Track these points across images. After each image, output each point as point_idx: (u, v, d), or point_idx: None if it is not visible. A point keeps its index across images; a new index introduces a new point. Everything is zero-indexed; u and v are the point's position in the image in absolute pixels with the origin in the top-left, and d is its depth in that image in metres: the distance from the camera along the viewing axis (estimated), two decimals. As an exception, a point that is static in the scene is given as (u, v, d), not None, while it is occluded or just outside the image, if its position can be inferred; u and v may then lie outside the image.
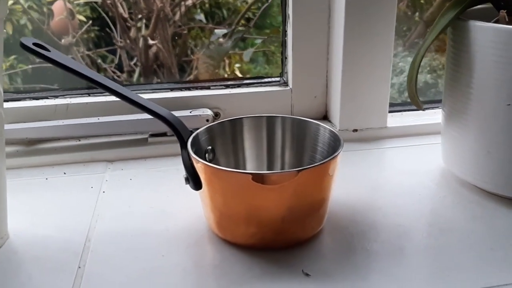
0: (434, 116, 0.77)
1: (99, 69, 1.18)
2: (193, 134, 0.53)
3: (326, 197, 0.51)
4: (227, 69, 1.18)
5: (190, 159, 0.50)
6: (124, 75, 1.23)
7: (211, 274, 0.48)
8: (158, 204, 0.59)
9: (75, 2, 1.17)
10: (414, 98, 0.61)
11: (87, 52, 1.18)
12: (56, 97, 0.74)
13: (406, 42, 1.20)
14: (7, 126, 0.68)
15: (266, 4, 1.14)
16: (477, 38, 0.54)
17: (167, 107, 0.73)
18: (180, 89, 0.77)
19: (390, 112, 0.79)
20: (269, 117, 0.57)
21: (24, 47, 0.50)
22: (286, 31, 0.76)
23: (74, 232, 0.54)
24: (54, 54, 0.51)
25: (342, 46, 0.70)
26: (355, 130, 0.75)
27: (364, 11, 0.69)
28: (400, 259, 0.49)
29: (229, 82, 0.78)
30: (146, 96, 0.74)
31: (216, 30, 1.07)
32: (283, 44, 0.77)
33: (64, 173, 0.67)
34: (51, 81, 1.10)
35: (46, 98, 0.73)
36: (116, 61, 1.22)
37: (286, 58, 0.77)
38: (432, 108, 0.80)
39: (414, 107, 0.78)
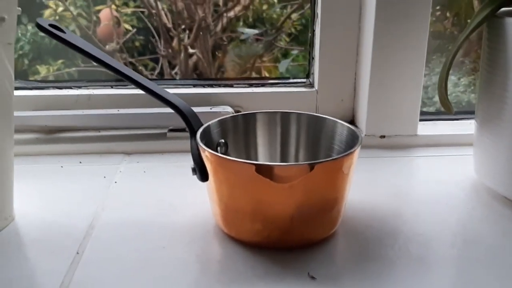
0: (468, 126, 0.72)
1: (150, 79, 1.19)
2: (204, 125, 0.51)
3: (339, 197, 0.47)
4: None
5: (198, 149, 0.48)
6: None
7: (211, 269, 0.45)
8: (168, 197, 0.57)
9: (123, 11, 1.19)
10: (444, 101, 0.57)
11: (130, 59, 1.20)
12: (80, 87, 0.73)
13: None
14: (28, 113, 0.69)
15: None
16: (514, 36, 0.50)
17: (190, 103, 0.72)
18: (203, 85, 0.75)
19: (422, 120, 0.75)
20: (284, 113, 0.55)
21: (40, 27, 0.50)
22: (314, 30, 0.73)
23: (79, 218, 0.53)
24: (69, 36, 0.51)
25: (371, 48, 0.67)
26: (383, 136, 0.71)
27: (396, 11, 0.65)
28: (417, 269, 0.45)
29: (253, 81, 0.76)
30: (169, 91, 0.73)
31: (246, 30, 1.06)
32: (311, 44, 0.75)
33: (80, 162, 0.67)
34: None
35: (70, 88, 0.73)
36: (158, 69, 1.23)
37: (313, 58, 0.75)
38: (467, 119, 0.75)
39: (448, 117, 0.75)
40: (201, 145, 0.47)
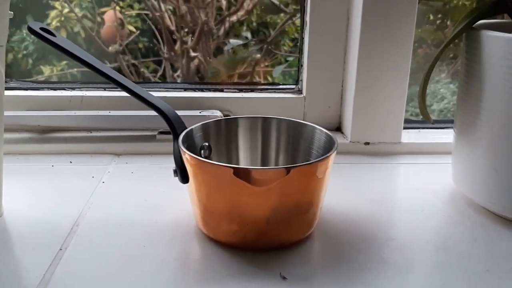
0: (452, 135, 0.73)
1: (144, 78, 1.21)
2: (187, 129, 0.52)
3: (314, 201, 0.49)
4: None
5: (179, 152, 0.49)
6: None
7: (188, 268, 0.47)
8: (153, 198, 0.59)
9: (127, 13, 1.21)
10: (423, 110, 0.58)
11: (132, 61, 1.22)
12: (73, 89, 0.75)
13: (451, 70, 1.17)
14: (22, 113, 0.71)
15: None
16: (489, 49, 0.51)
17: (180, 106, 0.74)
18: (194, 89, 0.77)
19: (407, 128, 0.77)
20: (265, 118, 0.56)
21: (31, 31, 0.52)
22: (303, 38, 0.75)
23: (64, 216, 0.54)
24: (59, 39, 0.53)
25: (357, 55, 0.69)
26: (367, 143, 0.73)
27: (382, 21, 0.67)
28: (386, 272, 0.46)
29: (243, 86, 0.77)
30: (160, 94, 0.75)
31: (231, 40, 1.07)
32: (300, 52, 0.77)
33: (70, 162, 0.68)
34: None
35: (63, 89, 0.75)
36: (161, 72, 1.25)
37: (302, 65, 0.76)
38: (451, 127, 0.77)
39: (432, 125, 0.77)
40: (182, 148, 0.48)
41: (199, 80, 1.19)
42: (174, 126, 0.52)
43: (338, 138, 0.73)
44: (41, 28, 0.52)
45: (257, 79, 1.15)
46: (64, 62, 1.15)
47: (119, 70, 1.18)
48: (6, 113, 0.69)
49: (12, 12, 0.51)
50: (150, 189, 0.61)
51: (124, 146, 0.71)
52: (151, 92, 0.74)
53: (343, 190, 0.62)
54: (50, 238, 0.50)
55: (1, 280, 0.44)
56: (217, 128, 0.56)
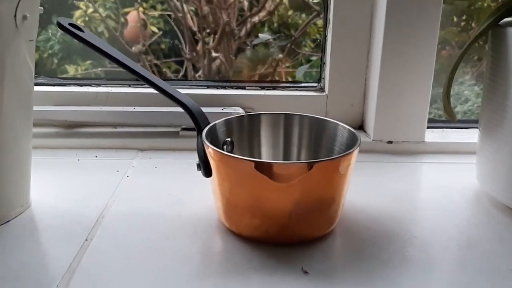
0: (476, 135, 0.72)
1: (165, 79, 1.23)
2: (210, 124, 0.53)
3: (336, 196, 0.49)
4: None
5: (203, 146, 0.50)
6: None
7: (210, 261, 0.47)
8: (176, 192, 0.60)
9: (150, 14, 1.23)
10: (447, 108, 0.58)
11: (155, 61, 1.23)
12: (99, 85, 0.77)
13: (475, 72, 1.16)
14: (49, 108, 0.73)
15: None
16: (516, 47, 0.51)
17: (202, 103, 0.74)
18: (217, 87, 0.78)
19: (431, 127, 0.76)
20: (287, 114, 0.57)
21: (61, 26, 0.53)
22: (326, 36, 0.75)
23: (90, 208, 0.56)
24: (87, 35, 0.54)
25: (380, 54, 0.69)
26: (390, 142, 0.73)
27: (406, 20, 0.67)
28: (408, 270, 0.46)
29: (265, 84, 0.78)
30: (183, 91, 0.76)
31: (260, 35, 1.08)
32: (323, 50, 0.77)
33: (96, 156, 0.70)
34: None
35: (90, 85, 0.77)
36: (182, 71, 1.27)
37: (324, 63, 0.76)
38: (475, 127, 0.76)
39: (456, 125, 0.76)
40: (206, 142, 0.49)
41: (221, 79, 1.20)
42: (198, 121, 0.53)
43: (361, 137, 0.74)
44: (70, 24, 0.54)
45: (278, 79, 1.16)
46: (89, 61, 1.18)
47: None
48: (34, 108, 0.71)
49: (42, 8, 0.52)
50: (173, 184, 0.62)
51: (148, 141, 0.72)
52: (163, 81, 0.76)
53: (366, 188, 0.62)
54: (76, 229, 0.52)
55: (29, 269, 0.45)
56: (240, 124, 0.56)
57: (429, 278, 0.45)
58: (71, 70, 1.14)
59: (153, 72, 1.22)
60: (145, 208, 0.56)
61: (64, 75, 1.09)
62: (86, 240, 0.50)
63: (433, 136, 0.74)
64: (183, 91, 0.76)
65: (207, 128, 0.52)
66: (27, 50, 0.50)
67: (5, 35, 0.46)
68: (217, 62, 1.27)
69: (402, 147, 0.72)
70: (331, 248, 0.49)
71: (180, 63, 1.26)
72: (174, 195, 0.59)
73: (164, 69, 1.24)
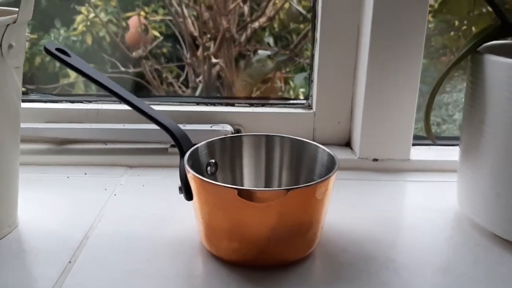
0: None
1: (167, 84, 1.24)
2: (192, 148, 0.54)
3: (314, 221, 0.50)
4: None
5: (184, 169, 0.51)
6: (189, 91, 1.29)
7: (188, 284, 0.48)
8: (161, 211, 0.61)
9: (151, 19, 1.24)
10: (428, 130, 0.59)
11: (156, 66, 1.25)
12: (90, 102, 0.78)
13: None
14: (41, 125, 0.74)
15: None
16: (492, 73, 0.51)
17: (192, 120, 0.76)
18: (206, 104, 0.79)
19: (418, 145, 0.77)
20: (268, 136, 0.58)
21: (48, 51, 0.54)
22: (313, 54, 0.76)
23: (76, 228, 0.57)
24: (74, 60, 0.55)
25: (365, 72, 0.70)
26: (375, 160, 0.73)
27: (391, 39, 0.68)
28: (383, 294, 0.47)
29: (254, 101, 0.79)
30: (172, 108, 0.78)
31: (259, 51, 1.09)
32: (310, 68, 0.78)
33: (85, 174, 0.71)
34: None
35: (81, 102, 0.78)
36: (183, 76, 1.28)
37: (312, 81, 0.77)
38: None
39: (442, 142, 0.77)
40: (187, 167, 0.50)
41: (220, 85, 1.21)
42: (180, 143, 0.54)
43: (347, 154, 0.75)
44: (57, 49, 0.55)
45: (278, 84, 1.17)
46: (91, 65, 1.19)
47: (142, 75, 1.21)
48: (27, 125, 0.73)
49: (29, 35, 0.53)
50: (159, 203, 0.63)
51: (137, 158, 0.74)
52: (164, 106, 0.77)
53: (348, 208, 0.62)
54: (61, 250, 0.53)
55: (12, 291, 0.46)
56: (222, 146, 0.57)
57: (402, 303, 0.46)
58: (72, 74, 1.16)
59: (153, 77, 1.23)
60: (130, 228, 0.57)
61: (65, 79, 1.11)
62: (70, 262, 0.51)
63: (418, 153, 0.75)
64: (173, 108, 0.78)
65: (189, 152, 0.53)
66: (14, 75, 0.51)
67: (-9, 64, 0.47)
68: (218, 67, 1.28)
69: (388, 165, 0.73)
70: (308, 272, 0.50)
71: (181, 68, 1.27)
72: (159, 214, 0.60)
73: (165, 74, 1.25)
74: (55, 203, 0.63)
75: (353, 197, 0.66)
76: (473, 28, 1.11)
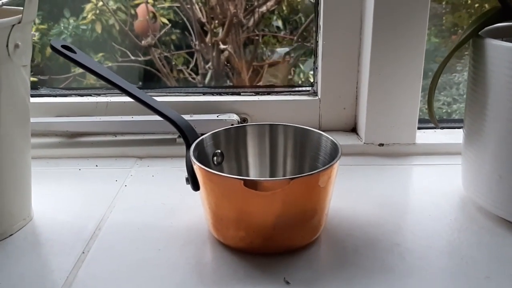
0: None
1: (177, 72, 1.25)
2: (198, 140, 0.55)
3: (318, 208, 0.51)
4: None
5: (191, 161, 0.52)
6: (199, 77, 1.30)
7: (196, 271, 0.50)
8: (171, 201, 0.62)
9: (159, 6, 1.25)
10: (431, 116, 0.59)
11: (165, 54, 1.25)
12: (99, 95, 0.80)
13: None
14: (52, 119, 0.76)
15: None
16: (493, 57, 0.52)
17: (198, 110, 0.77)
18: (212, 93, 0.80)
19: (423, 128, 0.77)
20: (272, 125, 0.59)
21: (53, 48, 0.56)
22: (317, 41, 0.76)
23: (88, 219, 0.59)
24: (79, 56, 0.56)
25: (369, 58, 0.70)
26: (381, 145, 0.74)
27: (394, 23, 0.68)
28: (387, 278, 0.48)
29: (260, 89, 0.80)
30: (179, 99, 0.79)
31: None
32: (315, 55, 0.78)
33: (96, 166, 0.73)
34: (133, 78, 1.20)
35: (90, 95, 0.80)
36: (193, 63, 1.29)
37: (316, 68, 0.78)
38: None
39: (448, 125, 0.77)
40: (193, 159, 0.51)
41: (230, 71, 1.21)
42: (186, 135, 0.56)
43: (353, 140, 0.76)
44: (63, 46, 0.56)
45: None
46: (101, 54, 1.20)
47: (152, 63, 1.23)
48: (38, 119, 0.74)
49: (35, 33, 0.54)
50: (168, 193, 0.64)
51: (146, 149, 0.75)
52: (171, 97, 0.78)
53: (353, 193, 0.63)
54: (74, 241, 0.55)
55: (28, 282, 0.48)
56: (227, 136, 0.58)
57: (405, 286, 0.47)
58: None
59: (162, 64, 1.24)
60: (140, 218, 0.59)
61: (76, 69, 1.12)
62: (83, 252, 0.53)
63: (424, 137, 0.75)
64: (179, 98, 0.79)
65: (194, 143, 0.54)
66: (23, 73, 0.52)
67: (-1, 64, 0.49)
68: (226, 53, 1.28)
69: (393, 150, 0.74)
70: (314, 257, 0.51)
71: (191, 55, 1.28)
72: (168, 204, 0.62)
73: (174, 62, 1.26)
74: (68, 196, 0.65)
75: (359, 183, 0.66)
76: (486, 6, 1.10)
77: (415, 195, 0.64)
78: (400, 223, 0.57)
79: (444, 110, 1.25)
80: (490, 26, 0.55)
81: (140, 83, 1.21)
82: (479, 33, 0.55)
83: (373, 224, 0.57)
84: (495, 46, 0.51)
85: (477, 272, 0.49)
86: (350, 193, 0.63)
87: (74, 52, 0.57)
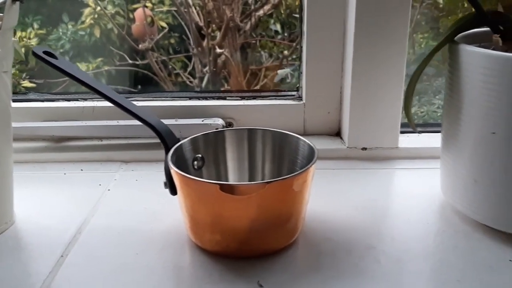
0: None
1: (175, 75, 1.26)
2: (176, 145, 0.56)
3: (294, 212, 0.52)
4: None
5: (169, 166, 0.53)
6: (196, 81, 1.31)
7: (173, 275, 0.50)
8: (152, 205, 0.63)
9: (157, 10, 1.26)
10: (410, 121, 0.60)
11: (162, 58, 1.26)
12: (85, 99, 0.80)
13: None
14: (39, 124, 0.77)
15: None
16: (467, 63, 0.52)
17: (183, 114, 0.78)
18: (198, 98, 0.81)
19: (406, 133, 0.78)
20: (251, 129, 0.59)
21: (35, 55, 0.56)
22: (301, 46, 0.77)
23: (70, 224, 0.59)
24: (60, 62, 0.57)
25: (351, 63, 0.70)
26: (364, 149, 0.75)
27: (375, 28, 0.68)
28: (360, 281, 0.48)
29: (245, 94, 0.80)
30: (164, 103, 0.79)
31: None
32: (299, 59, 0.79)
33: (81, 170, 0.73)
34: (130, 82, 1.20)
35: (77, 100, 0.80)
36: (190, 67, 1.29)
37: (301, 73, 0.79)
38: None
39: (431, 129, 0.78)
40: (169, 163, 0.52)
41: (227, 75, 1.21)
42: (165, 140, 0.56)
43: (337, 144, 0.76)
44: (44, 52, 0.57)
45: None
46: (100, 59, 1.21)
47: (150, 67, 1.23)
48: (25, 123, 0.75)
49: (17, 39, 0.55)
50: (151, 197, 0.65)
51: (132, 154, 0.76)
52: (157, 102, 0.79)
53: (335, 197, 0.64)
54: (54, 245, 0.55)
55: (7, 285, 0.49)
56: (206, 141, 0.59)
57: (378, 290, 0.48)
58: (82, 67, 1.18)
59: (159, 68, 1.25)
60: (121, 222, 0.59)
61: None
62: (62, 256, 0.53)
63: (408, 141, 0.76)
64: (165, 103, 0.79)
65: (173, 148, 0.55)
66: (4, 78, 0.53)
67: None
68: (222, 57, 1.29)
69: (376, 154, 0.74)
70: (290, 261, 0.52)
71: (188, 59, 1.29)
72: (150, 208, 0.62)
73: (171, 66, 1.27)
74: (52, 200, 0.65)
75: (341, 187, 0.67)
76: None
77: (395, 199, 0.65)
78: (378, 226, 0.58)
79: (439, 114, 1.25)
80: (466, 32, 0.56)
81: (139, 86, 1.22)
82: (455, 39, 0.55)
83: (352, 228, 0.57)
84: (469, 52, 0.52)
85: (450, 275, 0.49)
86: (331, 197, 0.64)
87: (56, 58, 0.57)
